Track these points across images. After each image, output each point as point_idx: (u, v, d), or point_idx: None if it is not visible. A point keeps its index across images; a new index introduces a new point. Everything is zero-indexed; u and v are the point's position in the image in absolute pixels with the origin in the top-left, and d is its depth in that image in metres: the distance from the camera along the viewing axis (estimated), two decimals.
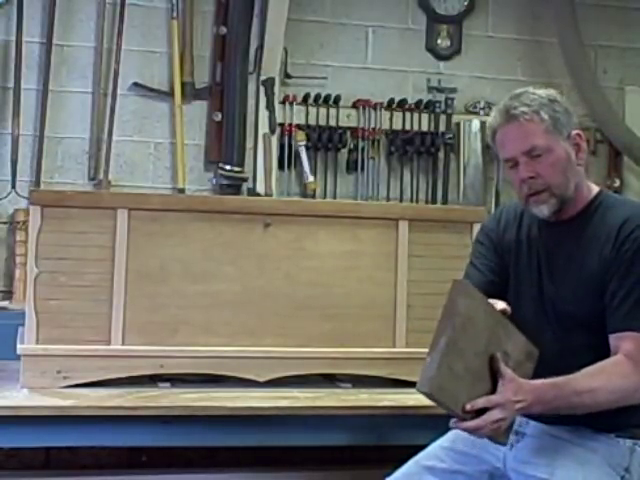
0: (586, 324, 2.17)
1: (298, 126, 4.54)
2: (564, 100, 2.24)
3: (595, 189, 2.27)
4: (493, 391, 2.03)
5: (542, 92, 2.23)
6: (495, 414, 1.99)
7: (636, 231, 2.13)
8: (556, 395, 2.06)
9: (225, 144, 4.40)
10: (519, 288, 2.31)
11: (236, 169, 4.37)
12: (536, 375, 2.13)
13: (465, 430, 2.01)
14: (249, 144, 4.47)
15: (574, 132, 2.21)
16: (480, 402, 2.00)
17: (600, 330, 2.15)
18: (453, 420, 2.02)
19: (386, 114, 4.64)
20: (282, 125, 4.53)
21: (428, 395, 1.96)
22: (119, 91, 4.35)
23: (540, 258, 2.27)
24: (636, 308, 2.11)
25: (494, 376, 2.05)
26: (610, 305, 2.13)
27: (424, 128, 4.67)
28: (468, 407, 1.99)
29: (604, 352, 2.13)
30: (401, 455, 2.37)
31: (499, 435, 2.05)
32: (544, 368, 2.14)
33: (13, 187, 4.19)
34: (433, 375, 1.96)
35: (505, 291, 2.33)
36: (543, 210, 2.22)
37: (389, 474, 2.34)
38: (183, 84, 4.41)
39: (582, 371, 2.08)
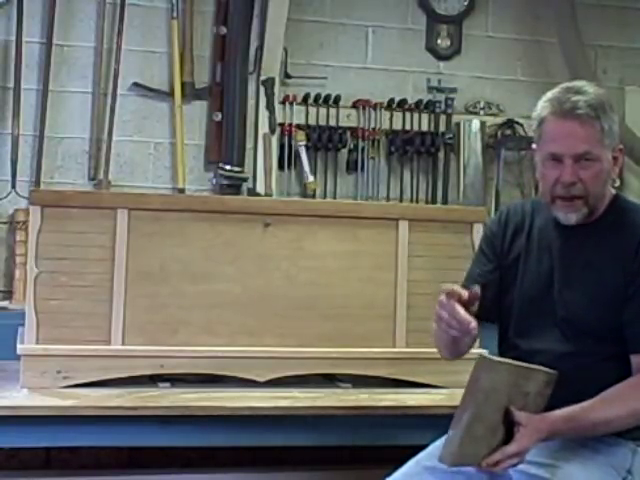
0: (597, 331, 2.15)
1: (298, 126, 4.54)
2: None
3: (612, 193, 2.25)
4: (507, 436, 2.06)
5: (601, 94, 2.16)
6: (511, 462, 2.04)
7: None
8: (571, 428, 2.09)
9: (225, 144, 4.40)
10: (526, 288, 2.29)
11: (236, 169, 4.37)
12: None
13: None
14: (249, 144, 4.47)
15: (618, 147, 2.19)
16: (496, 457, 2.04)
17: (611, 339, 2.13)
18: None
19: (386, 114, 4.64)
20: (282, 125, 4.53)
21: (450, 466, 2.11)
22: (119, 91, 4.35)
23: (553, 260, 2.24)
24: None
25: (508, 422, 2.08)
26: (632, 323, 2.11)
27: (424, 128, 4.67)
28: (484, 465, 2.05)
29: (612, 359, 2.12)
30: (401, 455, 2.37)
31: None
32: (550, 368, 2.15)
33: (13, 187, 4.19)
34: (455, 451, 2.07)
35: (498, 299, 2.34)
36: (571, 218, 2.18)
37: (389, 474, 2.34)
38: (183, 84, 4.41)
39: (600, 397, 2.08)
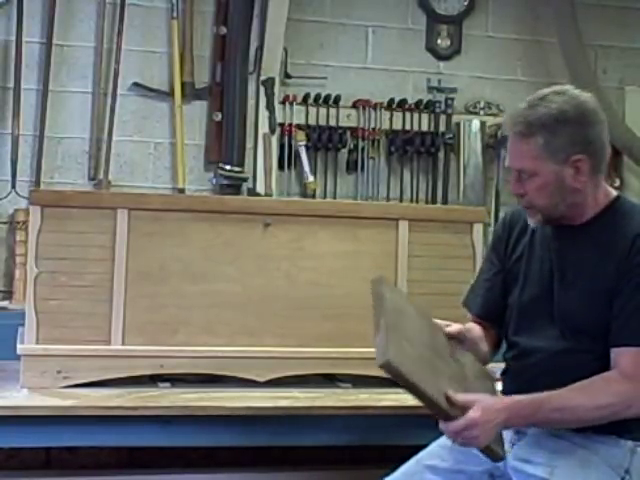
0: (591, 330, 2.16)
1: (298, 126, 4.55)
2: (585, 114, 2.13)
3: (612, 194, 2.24)
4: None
5: (557, 106, 2.12)
6: (460, 437, 2.01)
7: None
8: (534, 411, 2.06)
9: (225, 144, 4.40)
10: (527, 287, 2.30)
11: (236, 169, 4.37)
12: (537, 373, 2.16)
13: (450, 433, 2.02)
14: (249, 144, 4.47)
15: (574, 157, 2.13)
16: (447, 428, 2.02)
17: (606, 337, 2.14)
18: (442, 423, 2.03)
19: (386, 114, 4.64)
20: (282, 125, 4.53)
21: (387, 366, 1.90)
22: (119, 91, 4.36)
23: (552, 260, 2.25)
24: None
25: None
26: (617, 318, 2.11)
27: (424, 128, 4.68)
28: (450, 392, 1.99)
29: (608, 357, 2.12)
30: (401, 455, 2.37)
31: (491, 451, 2.05)
32: (546, 368, 2.16)
33: (13, 187, 4.19)
34: (385, 345, 1.92)
35: (504, 306, 2.37)
36: (531, 222, 2.25)
37: (389, 474, 2.34)
38: (183, 84, 4.41)
39: (568, 387, 2.07)
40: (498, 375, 2.38)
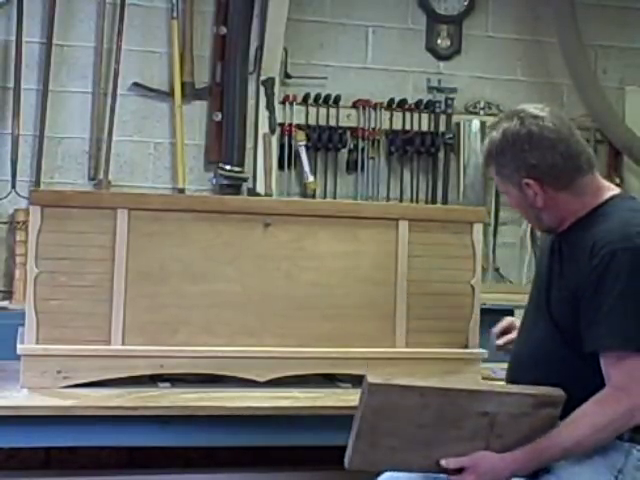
0: (573, 329, 2.16)
1: (298, 126, 4.55)
2: (524, 139, 2.13)
3: (605, 195, 2.23)
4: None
5: (499, 135, 2.15)
6: None
7: (606, 247, 2.07)
8: (538, 460, 2.09)
9: (225, 144, 4.40)
10: (532, 286, 2.35)
11: (236, 169, 4.38)
12: (529, 360, 2.21)
13: None
14: (249, 144, 4.48)
15: (524, 182, 2.15)
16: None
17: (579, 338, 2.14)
18: None
19: (386, 114, 4.65)
20: (282, 125, 4.53)
21: (350, 469, 2.11)
22: (119, 91, 4.36)
23: (553, 260, 2.26)
24: (613, 324, 2.07)
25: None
26: (592, 323, 2.10)
27: (424, 128, 4.68)
28: (443, 462, 2.07)
29: (587, 358, 2.12)
30: None
31: None
32: (539, 357, 2.20)
33: (13, 187, 4.20)
34: (349, 452, 2.12)
35: None
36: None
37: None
38: (183, 84, 4.42)
39: (567, 420, 2.08)
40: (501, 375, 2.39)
